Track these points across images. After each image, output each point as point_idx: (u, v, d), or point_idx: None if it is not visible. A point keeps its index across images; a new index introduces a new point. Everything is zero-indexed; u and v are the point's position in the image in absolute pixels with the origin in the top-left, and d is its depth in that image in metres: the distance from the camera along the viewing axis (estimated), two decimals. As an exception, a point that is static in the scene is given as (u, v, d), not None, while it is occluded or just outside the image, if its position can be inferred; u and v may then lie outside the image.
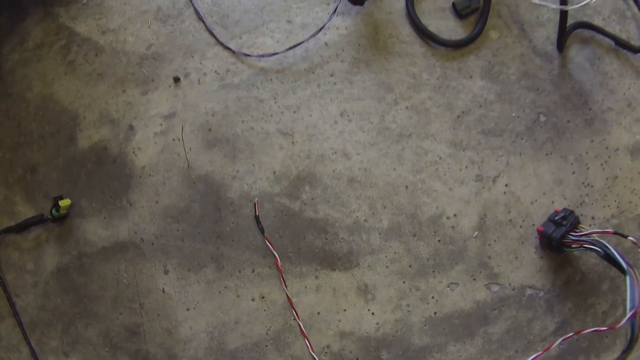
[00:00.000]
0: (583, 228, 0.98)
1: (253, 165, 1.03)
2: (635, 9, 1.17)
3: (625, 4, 1.18)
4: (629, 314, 0.84)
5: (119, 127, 1.08)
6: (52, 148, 1.09)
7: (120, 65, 1.11)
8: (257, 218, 1.00)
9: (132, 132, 1.07)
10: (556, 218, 0.99)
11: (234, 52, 1.08)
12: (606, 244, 0.91)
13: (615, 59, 1.14)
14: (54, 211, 1.04)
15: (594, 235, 0.96)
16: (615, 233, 0.98)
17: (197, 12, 1.11)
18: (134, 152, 1.06)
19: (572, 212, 1.00)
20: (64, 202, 1.03)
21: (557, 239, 0.97)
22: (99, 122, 1.09)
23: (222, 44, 1.09)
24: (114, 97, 1.10)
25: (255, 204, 1.00)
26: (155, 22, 1.13)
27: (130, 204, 1.04)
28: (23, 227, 1.07)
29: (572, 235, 0.97)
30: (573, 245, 0.96)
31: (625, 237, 0.97)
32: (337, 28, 1.08)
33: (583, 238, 0.95)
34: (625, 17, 1.18)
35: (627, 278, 0.86)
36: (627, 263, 0.87)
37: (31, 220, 1.06)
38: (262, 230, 0.99)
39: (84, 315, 1.04)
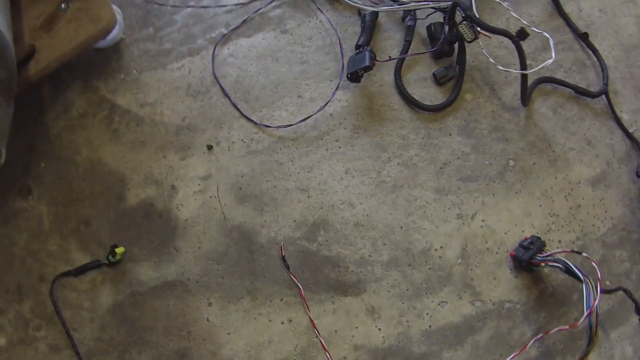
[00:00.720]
0: (548, 250, 1.31)
1: (277, 215, 1.42)
2: (593, 57, 1.60)
3: (584, 54, 1.62)
4: (585, 313, 1.17)
5: (163, 187, 1.44)
6: (103, 204, 1.40)
7: (159, 134, 1.48)
8: (283, 258, 1.39)
9: (174, 191, 1.46)
10: (525, 243, 1.33)
11: (256, 123, 1.48)
12: (566, 260, 1.24)
13: (575, 104, 1.53)
14: (110, 257, 1.32)
15: (556, 254, 1.29)
16: (572, 251, 1.31)
17: (222, 90, 1.52)
18: (177, 208, 1.43)
19: (538, 238, 1.34)
20: (120, 249, 1.33)
21: (527, 260, 1.30)
22: (144, 183, 1.44)
23: (246, 117, 1.49)
24: (157, 161, 1.45)
25: (281, 247, 1.37)
26: (187, 97, 1.53)
27: (176, 250, 1.41)
28: (81, 271, 1.34)
29: (538, 256, 1.30)
30: (540, 264, 1.30)
31: (580, 253, 1.32)
32: (339, 100, 1.48)
33: (547, 258, 1.29)
34: (585, 66, 1.59)
35: (583, 285, 1.19)
36: (582, 273, 1.20)
37: (89, 265, 1.34)
38: (287, 267, 1.38)
39: (138, 343, 1.31)
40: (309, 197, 1.37)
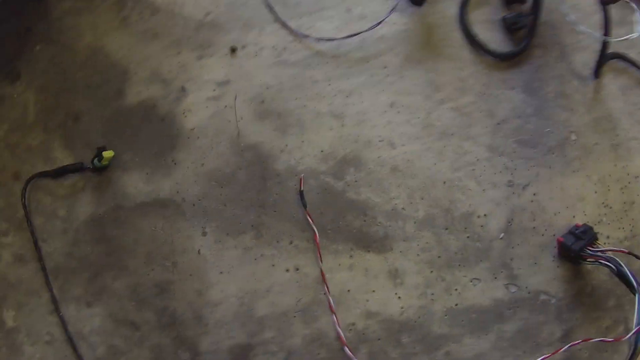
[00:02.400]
0: (599, 244, 1.10)
1: (302, 141, 1.15)
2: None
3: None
4: (634, 329, 0.97)
5: (171, 87, 1.18)
6: (99, 99, 1.17)
7: (176, 27, 1.21)
8: (301, 193, 1.12)
9: (183, 93, 1.19)
10: (576, 232, 1.11)
11: (293, 31, 1.23)
12: (620, 262, 1.03)
13: None
14: (96, 161, 1.11)
15: (609, 252, 1.10)
16: (629, 253, 1.14)
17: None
18: (184, 114, 1.17)
19: (591, 228, 1.15)
20: (108, 153, 1.11)
21: (576, 251, 1.09)
22: (149, 80, 1.19)
23: (282, 22, 1.23)
24: (168, 57, 1.20)
25: (301, 179, 1.12)
26: (216, -11, 1.26)
27: (175, 163, 1.15)
28: (60, 173, 1.13)
29: (589, 249, 1.10)
30: (589, 259, 1.08)
31: (638, 258, 1.16)
32: (394, 24, 1.21)
33: (599, 254, 1.09)
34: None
35: (637, 296, 0.98)
36: (637, 282, 0.99)
37: (70, 167, 1.13)
38: (304, 205, 1.12)
39: (114, 267, 1.11)
40: (342, 125, 1.11)
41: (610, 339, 1.04)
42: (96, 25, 1.22)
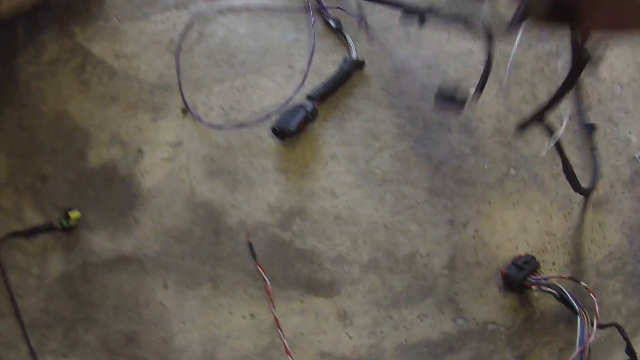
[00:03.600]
0: (542, 272, 1.20)
1: (250, 196, 1.23)
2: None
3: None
4: (578, 349, 1.06)
5: (129, 149, 1.27)
6: (63, 161, 1.26)
7: (132, 90, 1.30)
8: (250, 244, 1.20)
9: (140, 155, 1.27)
10: (518, 262, 1.21)
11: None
12: (561, 287, 1.12)
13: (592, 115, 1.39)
14: (63, 221, 1.19)
15: (551, 279, 1.18)
16: (569, 278, 1.21)
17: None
18: (141, 174, 1.25)
19: (533, 257, 1.22)
20: (74, 214, 1.20)
21: (519, 281, 1.18)
22: (109, 142, 1.27)
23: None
24: (125, 120, 1.28)
25: (249, 232, 1.21)
26: (168, 53, 1.34)
27: (135, 222, 1.23)
28: (31, 232, 1.21)
29: (531, 278, 1.18)
30: (532, 287, 1.18)
31: (579, 282, 1.21)
32: None
33: (541, 281, 1.17)
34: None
35: (578, 318, 1.07)
36: (578, 305, 1.09)
37: (40, 227, 1.21)
38: (254, 256, 1.20)
39: (85, 320, 1.19)
40: (287, 179, 1.21)
41: (561, 362, 1.12)
42: (59, 89, 1.31)
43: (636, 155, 1.39)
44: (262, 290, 1.18)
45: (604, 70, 1.46)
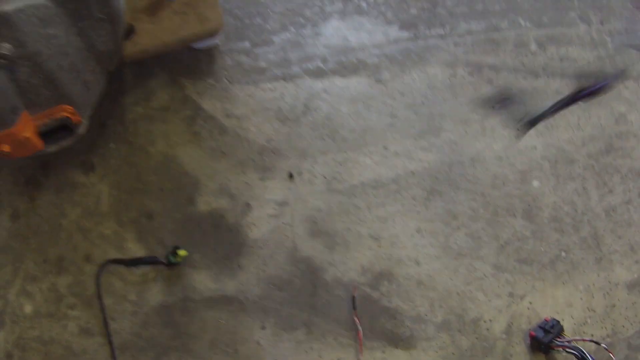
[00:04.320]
0: (566, 335, 1.46)
1: (346, 257, 1.48)
2: None
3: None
4: None
5: (237, 202, 1.51)
6: (171, 202, 1.48)
7: (242, 149, 1.55)
8: (353, 298, 1.43)
9: (248, 208, 1.53)
10: (545, 326, 1.46)
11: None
12: (582, 349, 1.38)
13: (625, 209, 1.71)
14: (171, 257, 1.40)
15: (574, 341, 1.43)
16: (591, 341, 1.46)
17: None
18: (248, 226, 1.48)
19: (558, 322, 1.47)
20: (182, 252, 1.40)
21: (546, 343, 1.44)
22: (218, 193, 1.51)
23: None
24: (235, 175, 1.53)
25: (354, 287, 1.45)
26: (276, 120, 1.60)
27: (239, 267, 1.47)
28: (133, 262, 1.42)
29: (557, 340, 1.44)
30: (557, 348, 1.44)
31: (599, 343, 1.45)
32: (421, 161, 1.63)
33: (565, 343, 1.43)
34: None
35: None
36: None
37: (144, 259, 1.42)
38: (354, 308, 1.42)
39: (180, 349, 1.39)
40: (379, 246, 1.48)
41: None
42: (168, 134, 1.55)
43: None
44: (350, 339, 1.44)
45: None
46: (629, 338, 1.54)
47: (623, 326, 1.55)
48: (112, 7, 1.23)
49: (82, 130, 1.34)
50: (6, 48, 1.09)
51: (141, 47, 1.45)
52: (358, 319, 1.42)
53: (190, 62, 1.63)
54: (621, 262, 1.61)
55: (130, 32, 1.44)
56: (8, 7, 1.07)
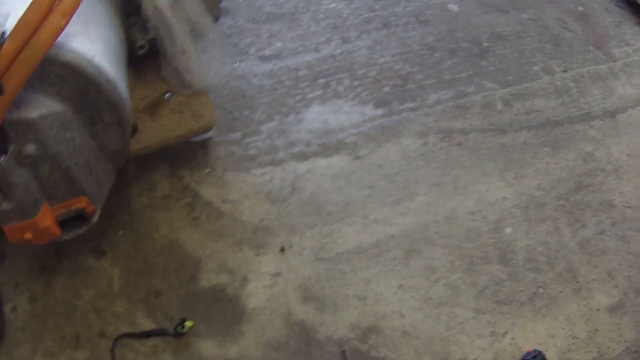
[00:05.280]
0: None
1: (336, 317, 1.74)
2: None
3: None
4: None
5: (236, 276, 1.76)
6: (176, 281, 1.73)
7: (237, 230, 1.83)
8: (344, 352, 1.67)
9: (246, 281, 1.80)
10: (527, 357, 1.67)
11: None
12: None
13: (600, 240, 1.92)
14: (179, 328, 1.64)
15: None
16: None
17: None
18: (246, 297, 1.72)
19: (540, 352, 1.67)
20: (189, 323, 1.65)
21: None
22: (218, 270, 1.76)
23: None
24: (232, 253, 1.79)
25: (344, 342, 1.69)
26: (267, 201, 1.91)
27: (240, 333, 1.68)
28: (145, 335, 1.65)
29: None
30: None
31: None
32: (400, 225, 1.95)
33: None
34: None
35: None
36: None
37: (154, 331, 1.66)
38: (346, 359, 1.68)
39: None
40: (365, 304, 1.76)
41: None
42: (171, 221, 1.83)
43: None
44: (345, 388, 1.72)
45: (615, 198, 2.01)
46: (617, 357, 1.74)
47: (609, 347, 1.75)
48: (121, 113, 1.53)
49: (95, 219, 1.62)
50: (31, 149, 1.38)
51: (144, 144, 1.76)
52: (350, 370, 1.70)
53: (187, 154, 1.95)
54: (600, 289, 1.83)
55: (134, 131, 1.75)
56: (33, 114, 1.35)
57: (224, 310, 1.74)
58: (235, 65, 2.15)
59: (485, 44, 2.29)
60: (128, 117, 1.58)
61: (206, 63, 1.85)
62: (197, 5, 1.80)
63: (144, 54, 1.82)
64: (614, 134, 2.17)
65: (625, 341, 1.77)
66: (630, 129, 2.17)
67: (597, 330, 1.77)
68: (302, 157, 1.96)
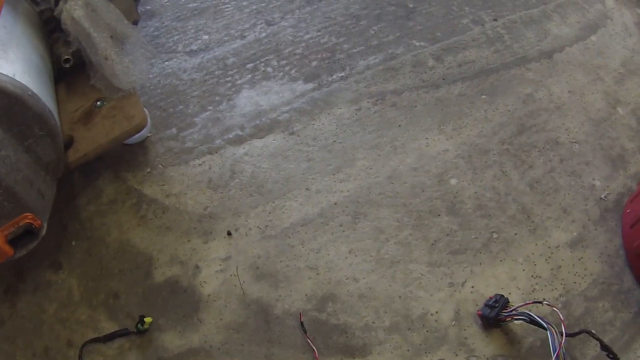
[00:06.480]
0: (512, 305, 1.64)
1: (290, 291, 1.73)
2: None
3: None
4: (554, 355, 1.49)
5: (187, 266, 1.76)
6: (132, 280, 1.73)
7: (183, 221, 1.83)
8: (302, 323, 1.65)
9: (198, 270, 1.79)
10: (490, 302, 1.66)
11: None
12: (528, 312, 1.56)
13: (550, 179, 1.91)
14: (139, 325, 1.65)
15: (520, 308, 1.60)
16: (533, 302, 1.63)
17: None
18: (200, 284, 1.73)
19: (502, 296, 1.66)
20: (148, 319, 1.66)
21: (493, 317, 1.62)
22: (170, 263, 1.76)
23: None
24: (182, 244, 1.80)
25: (300, 314, 1.67)
26: (208, 189, 1.91)
27: (200, 321, 1.68)
28: (110, 337, 1.66)
29: (504, 312, 1.63)
30: (507, 319, 1.62)
31: (541, 302, 1.63)
32: (342, 192, 1.95)
33: (512, 313, 1.61)
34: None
35: (548, 332, 1.51)
36: (545, 322, 1.53)
37: (117, 333, 1.67)
38: (305, 331, 1.64)
39: None
40: (317, 274, 1.75)
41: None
42: (120, 223, 1.83)
43: (602, 196, 1.91)
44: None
45: (561, 135, 2.02)
46: (584, 291, 1.75)
47: (575, 282, 1.75)
48: (49, 124, 1.59)
49: (43, 232, 1.63)
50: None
51: (82, 153, 1.78)
52: (311, 340, 1.67)
53: (128, 157, 1.96)
54: (557, 226, 1.84)
55: (70, 142, 1.78)
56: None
57: (181, 301, 1.74)
58: (165, 64, 2.13)
59: (411, 5, 2.31)
60: (57, 128, 1.63)
61: (130, 65, 1.84)
62: (113, 12, 1.84)
63: (72, 66, 1.88)
64: (553, 73, 2.17)
65: (591, 274, 1.77)
66: (569, 67, 2.19)
67: (560, 267, 1.78)
68: (238, 141, 1.95)
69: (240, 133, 1.97)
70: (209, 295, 1.75)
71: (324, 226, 1.82)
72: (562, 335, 1.52)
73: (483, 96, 2.07)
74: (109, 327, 1.71)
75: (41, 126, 1.57)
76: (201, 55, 2.19)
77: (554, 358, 1.51)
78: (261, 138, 1.97)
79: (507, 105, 2.05)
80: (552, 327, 1.53)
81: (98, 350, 1.67)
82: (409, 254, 1.77)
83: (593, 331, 1.61)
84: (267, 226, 1.81)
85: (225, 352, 1.67)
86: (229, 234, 1.83)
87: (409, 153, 1.93)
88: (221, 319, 1.71)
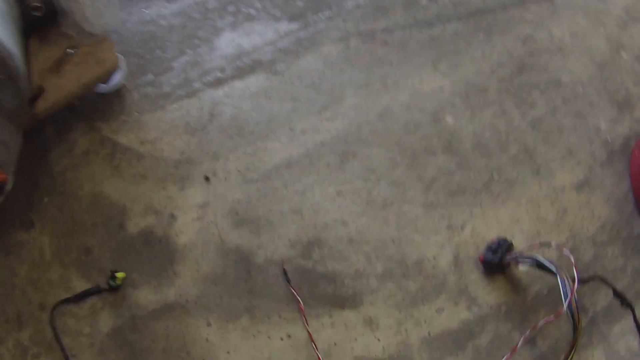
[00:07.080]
0: (516, 249, 1.52)
1: (273, 237, 1.57)
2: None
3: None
4: (565, 302, 1.36)
5: (162, 215, 1.62)
6: (105, 234, 1.60)
7: (159, 168, 1.68)
8: (285, 271, 1.53)
9: (173, 219, 1.64)
10: (492, 246, 1.53)
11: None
12: (535, 255, 1.44)
13: (553, 119, 1.79)
14: (111, 281, 1.51)
15: (526, 252, 1.49)
16: (540, 245, 1.52)
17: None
18: (176, 234, 1.59)
19: (505, 239, 1.53)
20: (120, 274, 1.52)
21: (497, 262, 1.50)
22: (144, 212, 1.62)
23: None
24: (157, 192, 1.65)
25: (283, 262, 1.55)
26: (185, 134, 1.75)
27: (175, 274, 1.55)
28: (81, 297, 1.52)
29: (508, 256, 1.51)
30: (511, 264, 1.50)
31: (549, 245, 1.52)
32: (329, 130, 1.78)
33: (517, 256, 1.49)
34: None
35: (557, 277, 1.39)
36: (554, 265, 1.40)
37: (89, 291, 1.53)
38: (288, 281, 1.51)
39: None
40: (302, 218, 1.60)
41: (551, 317, 1.42)
42: (93, 175, 1.70)
43: (608, 137, 1.79)
44: (294, 312, 1.52)
45: (563, 76, 1.89)
46: (593, 236, 1.63)
47: (582, 226, 1.63)
48: (9, 67, 1.42)
49: (9, 186, 1.48)
50: None
51: (51, 102, 1.65)
52: (295, 290, 1.52)
53: (103, 107, 1.81)
54: (562, 166, 1.70)
55: (40, 92, 1.63)
56: None
57: (155, 253, 1.60)
58: (143, 11, 1.97)
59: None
60: (17, 70, 1.47)
61: (102, 8, 1.68)
62: (84, -48, 1.67)
63: (43, 16, 1.71)
64: (554, 16, 2.03)
65: (599, 218, 1.66)
66: (570, 11, 2.05)
67: (566, 210, 1.65)
68: (218, 83, 1.80)
69: (220, 75, 1.81)
70: (184, 245, 1.60)
71: (309, 167, 1.68)
72: (574, 281, 1.38)
73: (480, 35, 1.93)
74: (81, 285, 1.56)
75: (1, 69, 1.40)
76: (180, 0, 2.01)
77: (565, 306, 1.37)
78: (242, 79, 1.82)
79: (505, 44, 1.92)
80: (563, 271, 1.40)
81: (70, 312, 1.54)
82: (403, 194, 1.62)
83: (605, 278, 1.50)
84: (247, 169, 1.67)
85: (202, 307, 1.54)
86: (207, 179, 1.68)
87: (401, 91, 1.78)
88: (198, 271, 1.57)
